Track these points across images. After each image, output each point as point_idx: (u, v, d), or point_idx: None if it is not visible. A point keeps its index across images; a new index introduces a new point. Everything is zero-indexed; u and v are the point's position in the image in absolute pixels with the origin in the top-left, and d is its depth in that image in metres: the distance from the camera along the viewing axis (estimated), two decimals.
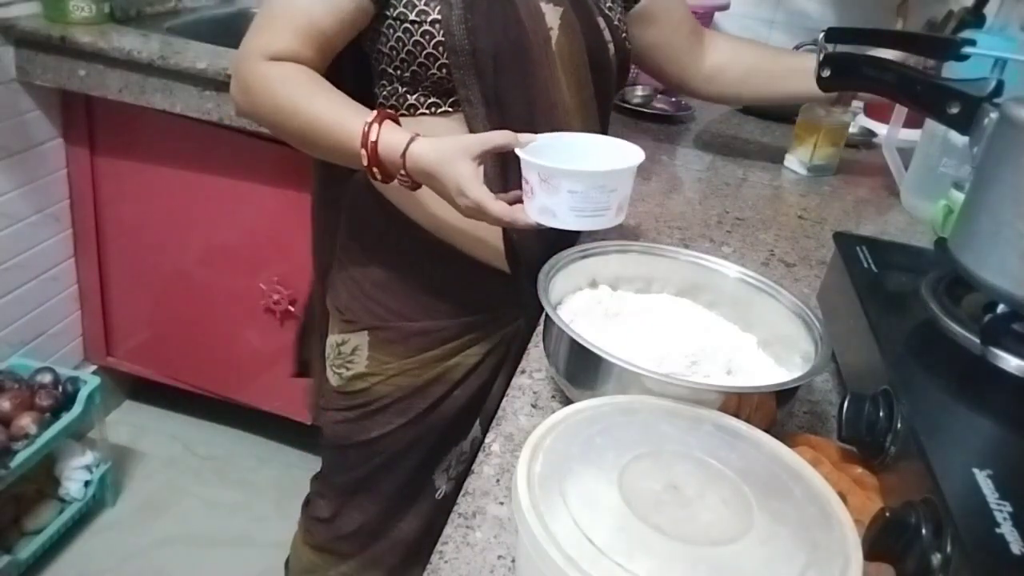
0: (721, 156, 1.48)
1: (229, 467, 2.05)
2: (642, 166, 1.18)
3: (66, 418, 1.70)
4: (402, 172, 0.84)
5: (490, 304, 1.05)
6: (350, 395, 1.08)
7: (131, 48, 1.58)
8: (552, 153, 0.84)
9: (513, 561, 0.56)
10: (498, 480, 0.64)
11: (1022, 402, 0.61)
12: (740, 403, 0.62)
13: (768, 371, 0.73)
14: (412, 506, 1.13)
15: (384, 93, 0.98)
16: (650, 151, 1.45)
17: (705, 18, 1.81)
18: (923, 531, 0.47)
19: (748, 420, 0.60)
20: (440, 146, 0.82)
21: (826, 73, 0.78)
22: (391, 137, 0.84)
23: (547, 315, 0.70)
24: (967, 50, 0.82)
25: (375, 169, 0.85)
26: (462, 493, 0.63)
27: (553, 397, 0.75)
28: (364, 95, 0.97)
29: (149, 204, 1.86)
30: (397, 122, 0.86)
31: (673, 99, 1.75)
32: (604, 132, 1.07)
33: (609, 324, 0.76)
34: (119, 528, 1.87)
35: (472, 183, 0.81)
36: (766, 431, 0.58)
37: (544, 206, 0.81)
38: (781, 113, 1.67)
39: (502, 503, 0.62)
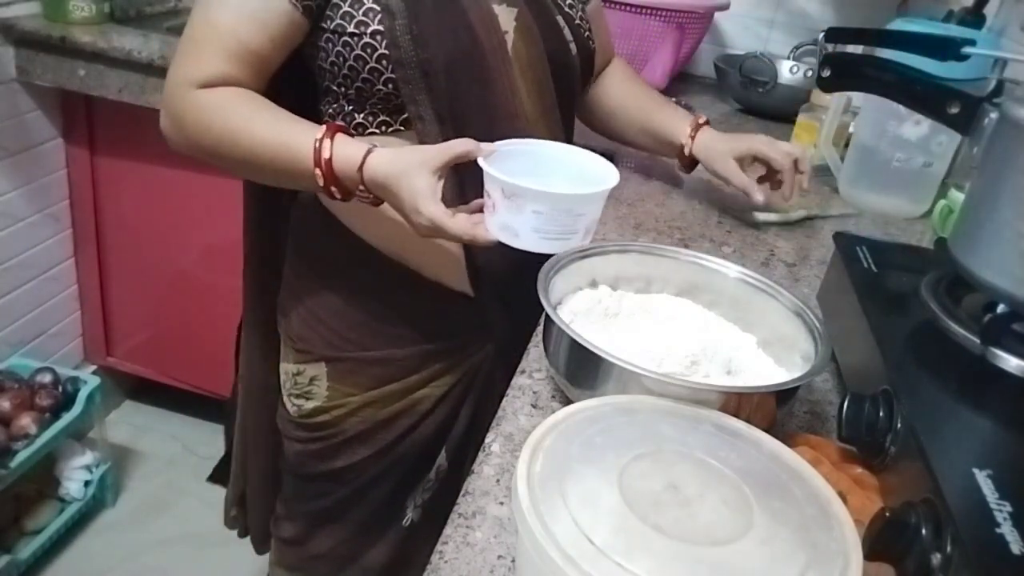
0: None
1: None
2: (643, 165, 1.17)
3: (66, 418, 1.70)
4: (361, 188, 0.79)
5: (455, 331, 0.99)
6: (312, 427, 1.03)
7: (131, 48, 1.58)
8: (518, 163, 0.78)
9: (513, 561, 0.56)
10: (498, 480, 0.64)
11: (1022, 402, 0.61)
12: (740, 403, 0.62)
13: (768, 371, 0.73)
14: (383, 535, 1.08)
15: (330, 111, 0.91)
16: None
17: (705, 18, 1.81)
18: (923, 531, 0.47)
19: (748, 420, 0.60)
20: (398, 158, 0.77)
21: (826, 73, 0.78)
22: (346, 151, 0.78)
23: (547, 315, 0.70)
24: (967, 50, 0.82)
25: (333, 188, 0.80)
26: (462, 493, 0.63)
27: (553, 397, 0.75)
28: (309, 115, 0.90)
29: (149, 204, 1.86)
30: (350, 134, 0.81)
31: (673, 99, 1.75)
32: (569, 140, 1.02)
33: (609, 324, 0.76)
34: (119, 528, 1.87)
35: (428, 199, 0.75)
36: (766, 431, 0.58)
37: (506, 224, 0.76)
38: (781, 113, 1.68)
39: (502, 503, 0.62)
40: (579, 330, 0.67)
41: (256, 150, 0.81)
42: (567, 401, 0.72)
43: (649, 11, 1.68)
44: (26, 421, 1.64)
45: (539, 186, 0.73)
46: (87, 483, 1.82)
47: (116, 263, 1.96)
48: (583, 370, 0.67)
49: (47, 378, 1.75)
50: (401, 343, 0.98)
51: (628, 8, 1.67)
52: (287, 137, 0.80)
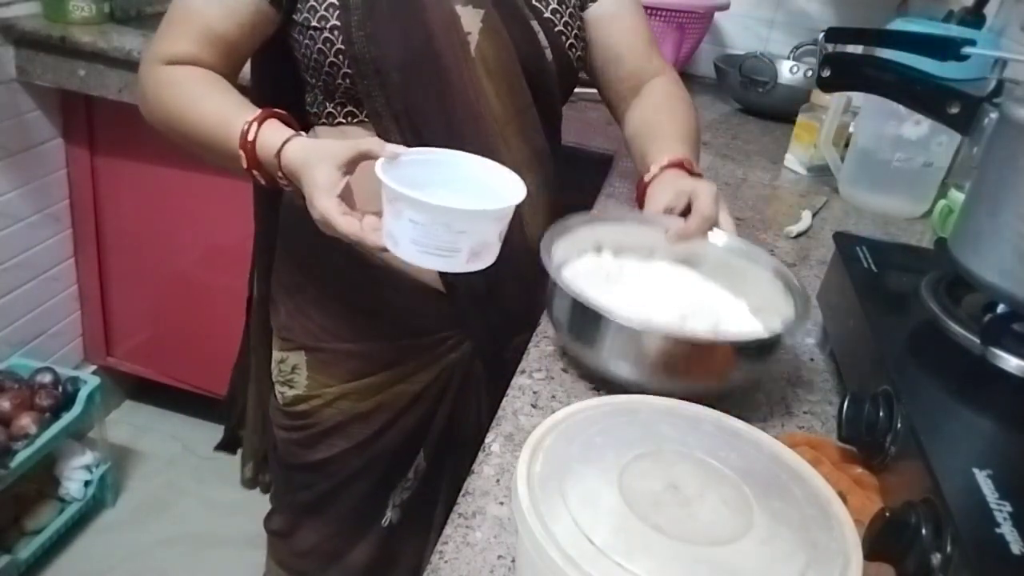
0: (721, 156, 1.48)
1: (229, 467, 2.04)
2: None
3: (66, 418, 1.70)
4: (279, 175, 0.78)
5: (430, 328, 0.99)
6: (294, 415, 1.04)
7: (131, 48, 1.58)
8: (429, 173, 0.74)
9: (513, 561, 0.56)
10: (498, 480, 0.64)
11: (1022, 402, 0.61)
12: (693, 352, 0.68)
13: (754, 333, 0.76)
14: (365, 533, 1.09)
15: (309, 100, 0.94)
16: None
17: (705, 18, 1.81)
18: (923, 531, 0.47)
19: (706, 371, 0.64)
20: (308, 148, 0.76)
21: (826, 73, 0.78)
22: (269, 136, 0.77)
23: (551, 277, 0.73)
24: (967, 50, 0.82)
25: (256, 172, 0.79)
26: (462, 493, 0.63)
27: (553, 397, 0.75)
28: (300, 106, 0.94)
29: (149, 204, 1.86)
30: (290, 123, 0.80)
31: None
32: (554, 140, 1.00)
33: (612, 287, 0.78)
34: (119, 528, 1.87)
35: (322, 193, 0.72)
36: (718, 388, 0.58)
37: (389, 229, 0.72)
38: (781, 113, 1.68)
39: (502, 503, 0.62)
40: (580, 291, 0.70)
41: (197, 126, 0.82)
42: (567, 401, 0.72)
43: (649, 11, 1.68)
44: (26, 421, 1.64)
45: (417, 194, 0.68)
46: (87, 483, 1.82)
47: (116, 263, 1.96)
48: (582, 326, 0.72)
49: (47, 378, 1.75)
50: (376, 336, 0.99)
51: None
52: (225, 117, 0.81)
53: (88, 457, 1.82)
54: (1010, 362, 0.62)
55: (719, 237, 0.83)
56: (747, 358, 0.71)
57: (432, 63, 0.87)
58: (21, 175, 1.76)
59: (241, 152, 0.79)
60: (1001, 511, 0.47)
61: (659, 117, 0.99)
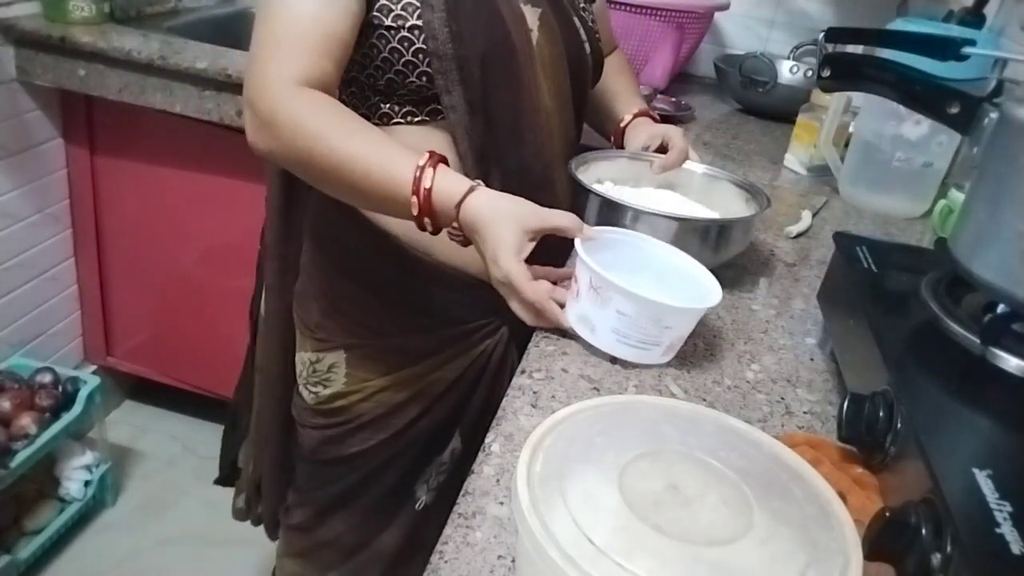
0: (721, 156, 1.48)
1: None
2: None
3: (66, 418, 1.70)
4: (455, 224, 0.78)
5: (472, 315, 1.00)
6: (328, 413, 1.04)
7: (131, 48, 1.58)
8: (616, 254, 0.76)
9: (513, 561, 0.56)
10: (498, 480, 0.64)
11: (1022, 402, 0.61)
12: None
13: None
14: (393, 519, 1.09)
15: (354, 102, 0.92)
16: None
17: (705, 18, 1.81)
18: (923, 531, 0.47)
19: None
20: (497, 205, 0.76)
21: (826, 73, 0.78)
22: (447, 185, 0.76)
23: (586, 188, 0.93)
24: (967, 50, 0.82)
25: (426, 219, 0.78)
26: (462, 493, 0.63)
27: (553, 397, 0.75)
28: None
29: (149, 204, 1.86)
30: (447, 163, 0.80)
31: (673, 99, 1.75)
32: (579, 134, 1.06)
33: None
34: (119, 528, 1.87)
35: (509, 254, 0.74)
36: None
37: (584, 315, 0.73)
38: (781, 113, 1.68)
39: (502, 503, 0.62)
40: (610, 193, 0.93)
41: (350, 162, 0.78)
42: (567, 401, 0.72)
43: (649, 11, 1.68)
44: (26, 421, 1.64)
45: (632, 286, 0.69)
46: (87, 483, 1.82)
47: (116, 263, 1.96)
48: (606, 218, 0.89)
49: (47, 378, 1.75)
50: (420, 329, 1.00)
51: (628, 8, 1.67)
52: (385, 157, 0.78)
53: (88, 457, 1.82)
54: (1010, 362, 0.62)
55: (691, 165, 1.07)
56: (729, 234, 0.94)
57: (507, 58, 0.89)
58: (21, 175, 1.76)
59: (414, 199, 0.76)
60: (1001, 511, 0.47)
61: (618, 80, 1.18)
